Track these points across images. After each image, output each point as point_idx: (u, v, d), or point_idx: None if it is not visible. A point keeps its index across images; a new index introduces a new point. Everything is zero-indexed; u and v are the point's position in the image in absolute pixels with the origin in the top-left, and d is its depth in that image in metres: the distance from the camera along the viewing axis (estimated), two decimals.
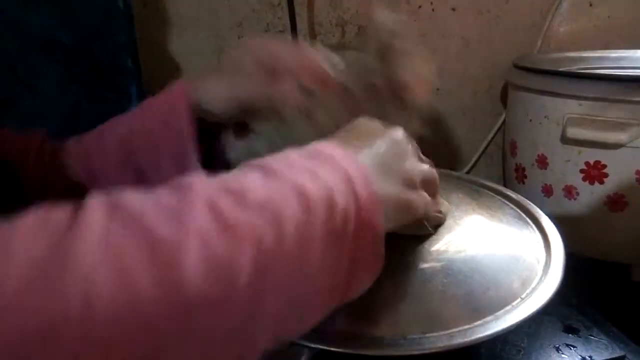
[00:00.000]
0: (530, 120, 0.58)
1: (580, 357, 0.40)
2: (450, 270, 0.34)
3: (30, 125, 0.53)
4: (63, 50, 0.52)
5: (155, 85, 0.60)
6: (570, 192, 0.55)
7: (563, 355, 0.40)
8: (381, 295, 0.33)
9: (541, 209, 0.58)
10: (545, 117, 0.56)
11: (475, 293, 0.33)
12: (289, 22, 0.61)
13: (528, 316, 0.32)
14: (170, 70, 0.61)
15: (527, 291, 0.34)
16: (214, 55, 0.62)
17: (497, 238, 0.39)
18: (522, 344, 0.42)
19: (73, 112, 0.54)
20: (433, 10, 0.66)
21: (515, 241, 0.39)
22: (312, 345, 0.30)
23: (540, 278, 0.35)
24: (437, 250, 0.36)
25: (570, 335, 0.43)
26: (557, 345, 0.42)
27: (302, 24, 0.63)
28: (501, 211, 0.44)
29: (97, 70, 0.54)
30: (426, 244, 0.36)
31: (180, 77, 0.61)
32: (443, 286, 0.33)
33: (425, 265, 0.35)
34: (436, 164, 0.72)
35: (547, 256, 0.38)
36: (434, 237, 0.37)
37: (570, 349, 0.41)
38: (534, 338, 0.43)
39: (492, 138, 0.73)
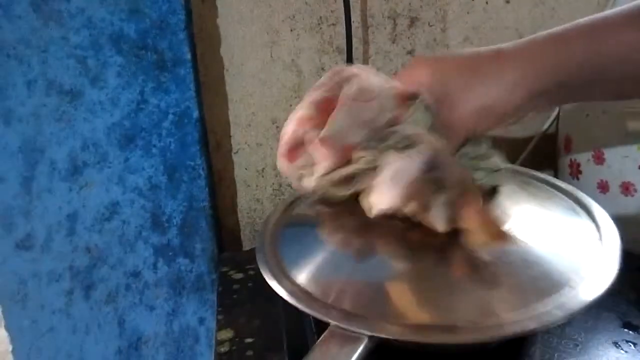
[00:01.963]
0: (587, 115, 0.57)
1: None
2: (501, 261, 0.34)
3: (97, 115, 0.56)
4: (129, 43, 0.55)
5: (210, 77, 0.62)
6: (627, 188, 0.54)
7: (622, 352, 0.40)
8: (433, 285, 0.33)
9: None
10: (602, 111, 0.55)
11: (527, 283, 0.33)
12: (342, 14, 0.61)
13: (581, 308, 0.31)
14: (223, 62, 0.63)
15: (581, 282, 0.33)
16: (266, 49, 0.64)
17: (548, 228, 0.39)
18: (580, 339, 0.42)
19: (138, 102, 0.56)
20: (487, 2, 0.66)
21: (567, 231, 0.39)
22: (368, 333, 0.30)
23: (595, 268, 0.34)
24: None
25: (630, 331, 0.42)
26: (616, 341, 0.41)
27: (354, 16, 0.63)
28: (551, 201, 0.43)
29: (160, 62, 0.56)
30: None
31: (233, 69, 0.63)
32: (494, 276, 0.33)
33: (476, 256, 0.35)
34: None
35: (601, 246, 0.37)
36: None
37: (630, 345, 0.41)
38: (591, 333, 0.43)
39: (544, 133, 0.72)
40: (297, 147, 0.37)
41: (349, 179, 0.36)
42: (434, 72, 0.35)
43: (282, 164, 0.39)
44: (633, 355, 0.40)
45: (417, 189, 0.33)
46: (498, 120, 0.36)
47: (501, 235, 0.36)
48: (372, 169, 0.35)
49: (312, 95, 0.37)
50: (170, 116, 0.58)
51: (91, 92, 0.56)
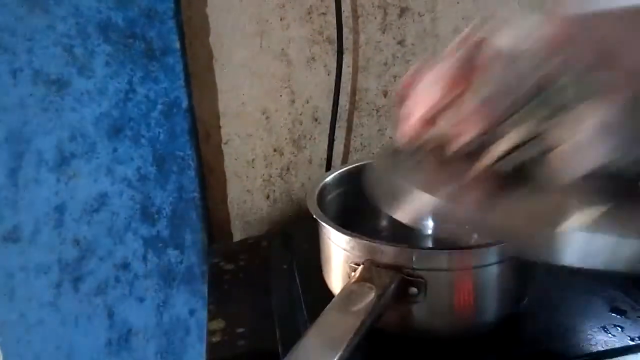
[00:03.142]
0: None
1: (628, 337, 0.40)
2: None
3: (84, 105, 0.56)
4: (117, 32, 0.54)
5: (198, 66, 0.62)
6: None
7: (610, 335, 0.41)
8: None
9: None
10: None
11: None
12: (333, 3, 0.61)
13: None
14: (212, 51, 0.62)
15: None
16: (256, 38, 0.63)
17: None
18: (569, 323, 0.42)
19: (126, 92, 0.56)
20: None
21: None
22: None
23: None
24: None
25: (618, 316, 0.43)
26: (604, 325, 0.42)
27: (344, 5, 0.63)
28: None
29: (148, 51, 0.55)
30: None
31: (222, 59, 0.63)
32: None
33: None
34: None
35: None
36: None
37: (618, 329, 0.41)
38: (580, 318, 0.43)
39: None
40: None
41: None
42: (583, 29, 0.30)
43: (418, 130, 0.34)
44: (621, 339, 0.40)
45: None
46: None
47: None
48: (535, 139, 0.30)
49: (450, 57, 0.33)
50: (159, 106, 0.57)
51: (78, 81, 0.55)
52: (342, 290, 0.36)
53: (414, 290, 0.37)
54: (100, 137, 0.57)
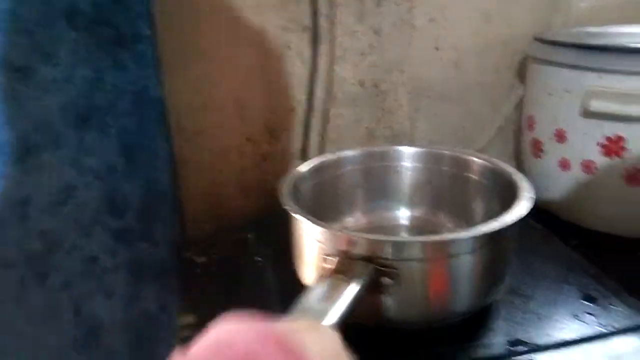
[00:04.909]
0: (550, 95, 0.58)
1: (599, 324, 0.41)
2: None
3: (50, 94, 0.54)
4: (83, 18, 0.52)
5: (169, 55, 0.60)
6: (588, 166, 0.55)
7: (582, 323, 0.41)
8: None
9: (558, 184, 0.59)
10: (565, 90, 0.56)
11: None
12: None
13: None
14: (184, 39, 0.61)
15: None
16: (229, 26, 0.62)
17: None
18: (542, 312, 0.42)
19: (93, 80, 0.54)
20: None
21: None
22: None
23: None
24: None
25: (590, 303, 0.43)
26: (576, 313, 0.42)
27: None
28: None
29: (116, 38, 0.53)
30: None
31: (194, 47, 0.61)
32: None
33: None
34: (451, 140, 0.73)
35: None
36: None
37: (590, 316, 0.42)
38: (553, 306, 0.43)
39: (509, 114, 0.72)
40: None
41: None
42: None
43: None
44: (592, 326, 0.41)
45: None
46: None
47: None
48: None
49: None
50: (128, 95, 0.55)
51: (43, 69, 0.53)
52: (315, 282, 0.36)
53: (387, 280, 0.37)
54: (66, 127, 0.54)
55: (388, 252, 0.37)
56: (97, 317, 0.61)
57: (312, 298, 0.34)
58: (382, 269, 0.37)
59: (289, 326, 0.28)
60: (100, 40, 0.53)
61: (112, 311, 0.61)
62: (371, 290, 0.36)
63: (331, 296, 0.34)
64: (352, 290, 0.34)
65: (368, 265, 0.37)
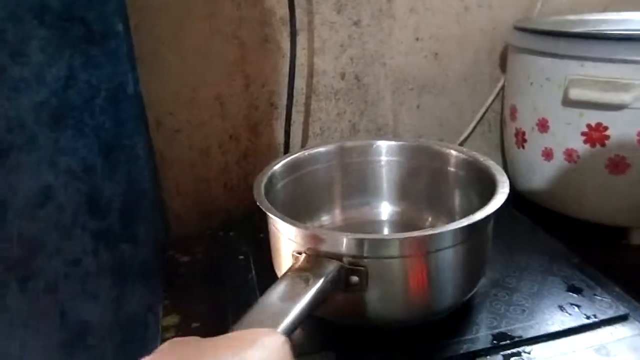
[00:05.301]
0: (531, 84, 0.57)
1: (584, 315, 0.41)
2: None
3: (21, 93, 0.52)
4: (53, 15, 0.50)
5: (145, 51, 0.59)
6: (571, 155, 0.55)
7: (567, 314, 0.41)
8: None
9: (541, 174, 0.58)
10: (546, 79, 0.55)
11: None
12: None
13: None
14: (161, 34, 0.59)
15: None
16: (205, 20, 0.60)
17: None
18: (526, 304, 0.42)
19: (66, 78, 0.52)
20: None
21: None
22: None
23: None
24: None
25: (574, 294, 0.43)
26: (561, 305, 0.42)
27: None
28: None
29: (88, 35, 0.52)
30: None
31: (171, 42, 0.60)
32: None
33: None
34: (435, 132, 0.72)
35: None
36: None
37: (575, 307, 0.42)
38: (537, 298, 0.43)
39: (491, 104, 0.72)
40: None
41: None
42: None
43: None
44: (577, 317, 0.40)
45: None
46: None
47: None
48: None
49: None
50: (103, 92, 0.54)
51: (13, 68, 0.51)
52: (279, 279, 0.35)
53: (354, 279, 0.36)
54: (40, 127, 0.53)
55: (354, 250, 0.36)
56: (82, 320, 0.60)
57: (272, 297, 0.33)
58: (349, 267, 0.36)
59: (228, 343, 0.27)
60: (71, 38, 0.51)
61: (98, 313, 0.60)
62: (339, 287, 0.36)
63: (291, 295, 0.33)
64: (312, 288, 0.34)
65: (334, 263, 0.36)
